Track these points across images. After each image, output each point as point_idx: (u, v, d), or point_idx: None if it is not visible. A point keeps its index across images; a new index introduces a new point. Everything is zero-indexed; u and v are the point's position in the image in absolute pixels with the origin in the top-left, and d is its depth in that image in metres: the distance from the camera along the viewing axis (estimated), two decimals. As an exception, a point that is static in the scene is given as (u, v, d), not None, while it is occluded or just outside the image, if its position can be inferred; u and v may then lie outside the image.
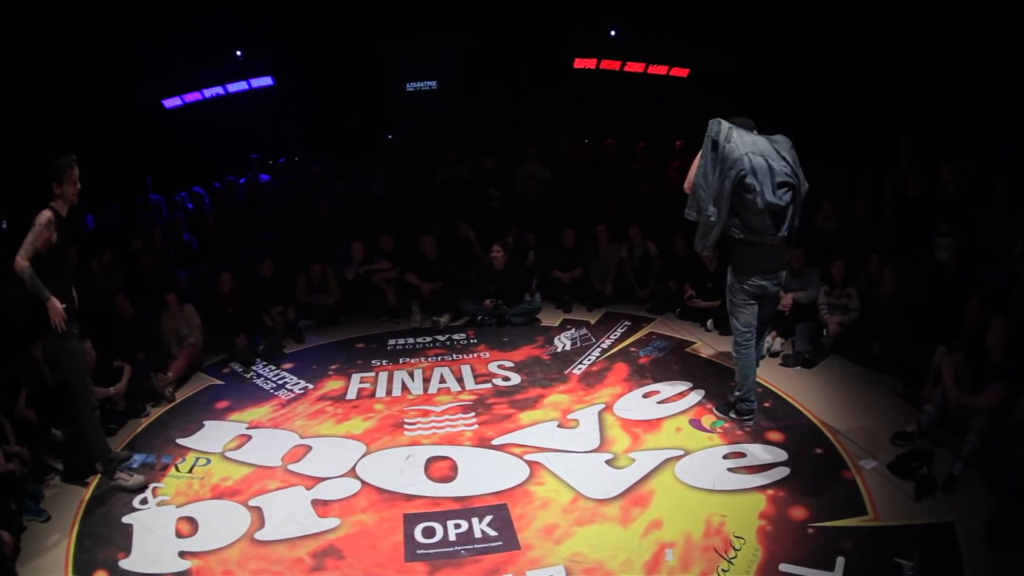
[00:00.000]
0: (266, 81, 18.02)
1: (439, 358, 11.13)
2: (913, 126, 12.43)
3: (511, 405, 9.37)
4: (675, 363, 10.57)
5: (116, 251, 12.18)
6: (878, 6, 13.75)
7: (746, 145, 7.63)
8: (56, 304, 6.98)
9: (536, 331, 12.20)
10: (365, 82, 18.97)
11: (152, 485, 7.71)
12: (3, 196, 11.47)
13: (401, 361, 11.07)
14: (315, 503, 7.29)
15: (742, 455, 7.86)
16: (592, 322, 12.48)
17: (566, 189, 15.35)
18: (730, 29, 16.93)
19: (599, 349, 11.18)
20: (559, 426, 8.75)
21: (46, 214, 6.94)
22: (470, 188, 15.88)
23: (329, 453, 8.29)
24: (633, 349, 11.16)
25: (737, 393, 8.61)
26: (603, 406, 9.19)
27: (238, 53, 17.60)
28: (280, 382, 10.46)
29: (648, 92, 19.67)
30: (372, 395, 9.89)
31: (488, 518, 6.93)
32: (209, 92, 17.73)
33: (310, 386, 10.27)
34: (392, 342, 11.93)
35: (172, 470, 8.07)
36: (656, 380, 9.93)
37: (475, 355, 11.21)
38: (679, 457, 7.84)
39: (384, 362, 11.05)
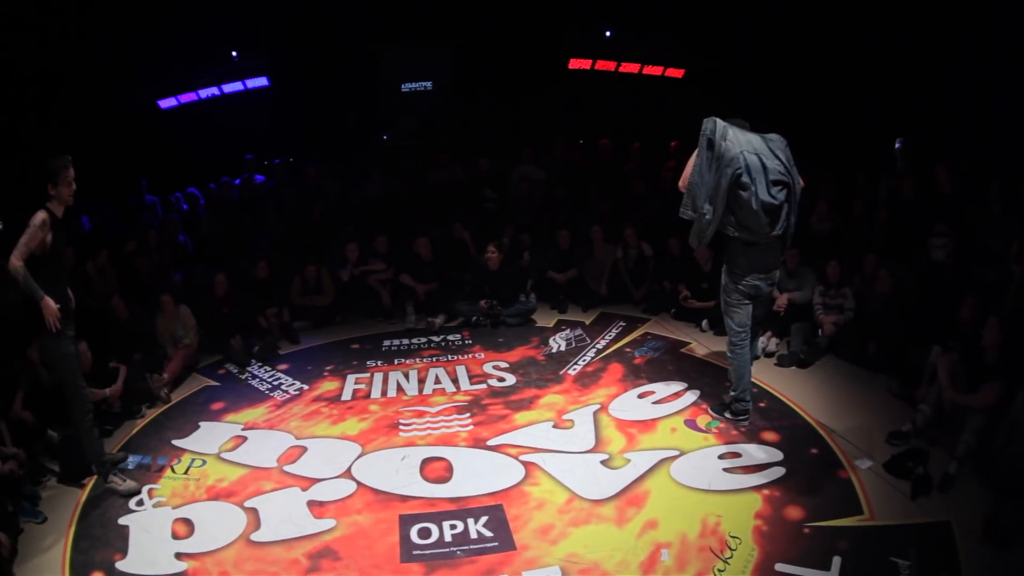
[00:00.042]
0: (261, 82, 17.97)
1: (434, 359, 11.13)
2: (908, 126, 12.47)
3: (506, 406, 9.37)
4: (670, 363, 10.58)
5: (111, 252, 12.16)
6: (873, 6, 13.77)
7: (741, 143, 7.65)
8: (50, 303, 6.97)
9: (531, 332, 12.20)
10: (360, 83, 18.95)
11: (148, 486, 7.70)
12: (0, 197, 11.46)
13: (396, 362, 11.06)
14: (311, 504, 7.29)
15: (738, 455, 7.87)
16: (587, 323, 12.49)
17: (561, 190, 15.35)
18: (725, 30, 16.96)
19: (594, 350, 11.18)
20: (554, 427, 8.75)
21: (40, 215, 6.92)
22: (465, 189, 15.89)
23: (324, 454, 8.29)
24: (628, 350, 11.16)
25: (732, 393, 8.62)
26: (598, 407, 9.20)
27: (234, 53, 17.57)
28: (275, 383, 10.45)
29: (643, 93, 19.69)
30: (367, 396, 9.88)
31: (484, 519, 6.93)
32: (204, 93, 17.68)
33: (305, 387, 10.26)
34: (387, 343, 11.92)
35: (168, 471, 8.06)
36: (651, 380, 9.94)
37: (470, 356, 11.21)
38: (674, 457, 7.85)
39: (379, 363, 11.04)
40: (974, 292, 8.71)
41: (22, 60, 13.15)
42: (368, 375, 10.58)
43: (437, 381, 10.26)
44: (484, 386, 10.02)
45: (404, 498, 7.34)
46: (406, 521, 6.95)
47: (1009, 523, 6.23)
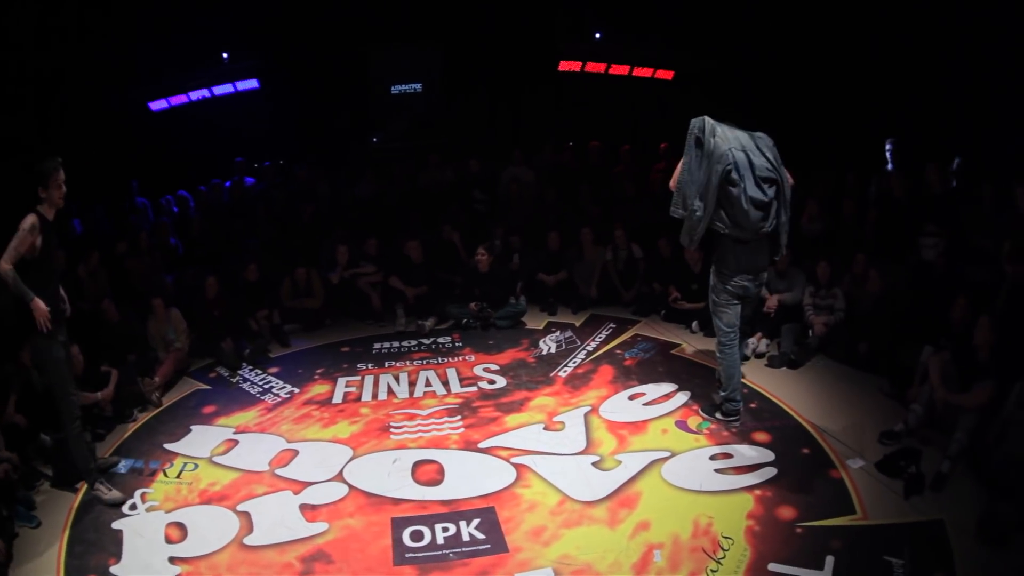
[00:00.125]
0: (252, 84, 17.96)
1: (424, 361, 11.12)
2: (899, 127, 12.51)
3: (497, 408, 9.37)
4: (660, 365, 10.60)
5: (102, 254, 12.12)
6: (864, 7, 13.81)
7: (730, 140, 7.73)
8: (40, 304, 6.95)
9: (521, 334, 12.20)
10: (350, 85, 18.93)
11: (141, 490, 7.68)
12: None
13: (386, 365, 11.05)
14: (303, 508, 7.28)
15: (729, 456, 7.89)
16: (577, 325, 12.50)
17: (550, 192, 15.35)
18: (715, 31, 16.96)
19: (584, 351, 11.19)
20: (545, 429, 8.75)
21: (30, 219, 6.90)
22: (454, 191, 15.87)
23: (316, 457, 8.28)
24: (618, 351, 11.17)
25: (723, 393, 8.64)
26: (589, 408, 9.21)
27: (224, 55, 17.55)
28: (266, 386, 10.44)
29: (633, 94, 19.70)
30: (358, 399, 9.87)
31: (476, 521, 6.93)
32: (195, 95, 17.65)
33: (296, 390, 10.25)
34: (377, 346, 11.91)
35: (160, 475, 8.04)
36: (642, 382, 9.96)
37: (460, 358, 11.21)
38: (666, 459, 7.86)
39: (369, 366, 11.03)
40: (965, 292, 8.74)
41: (12, 62, 13.10)
42: (359, 378, 10.57)
43: (428, 384, 10.25)
44: (475, 388, 10.02)
45: (396, 501, 7.34)
46: (398, 524, 6.95)
47: (1003, 521, 6.27)
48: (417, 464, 8.01)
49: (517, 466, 7.86)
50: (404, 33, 18.34)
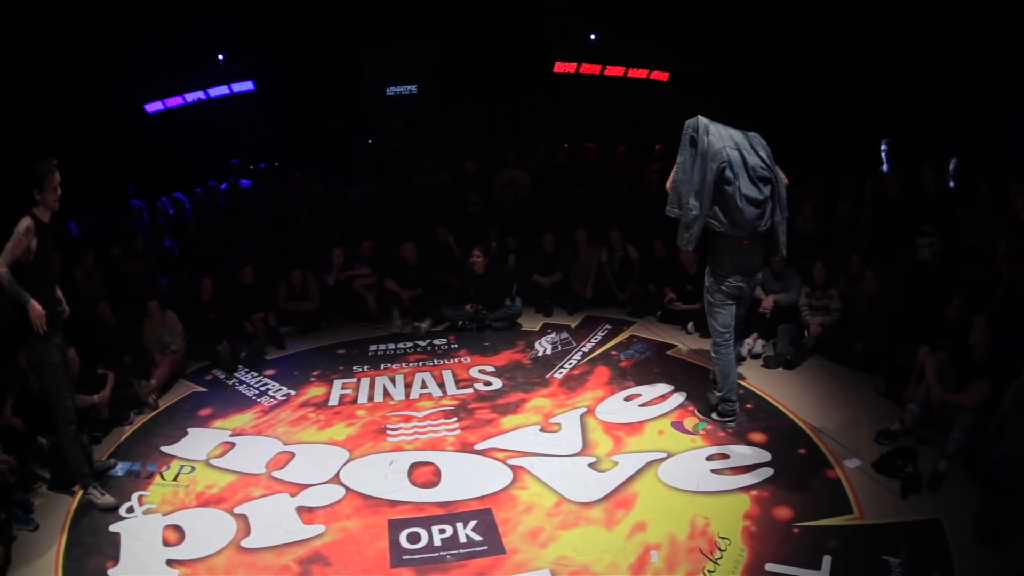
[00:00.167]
0: (247, 86, 17.95)
1: (420, 363, 11.12)
2: (893, 128, 12.53)
3: (493, 410, 9.37)
4: (656, 366, 10.61)
5: (98, 256, 12.11)
6: (858, 9, 13.83)
7: (723, 139, 7.76)
8: (36, 306, 6.95)
9: (517, 336, 12.21)
10: (345, 86, 18.93)
11: (138, 493, 7.68)
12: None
13: (383, 367, 11.05)
14: (300, 510, 7.27)
15: (725, 456, 7.90)
16: (573, 326, 12.50)
17: (545, 193, 15.34)
18: (710, 32, 16.99)
19: (580, 353, 11.20)
20: (541, 430, 8.75)
21: (25, 221, 6.90)
22: (450, 193, 15.86)
23: (312, 460, 8.27)
24: (614, 352, 11.18)
25: (718, 394, 8.65)
26: (585, 409, 9.21)
27: (220, 57, 17.54)
28: (262, 389, 10.44)
29: (628, 96, 19.70)
30: (354, 401, 9.87)
31: (472, 523, 6.93)
32: (191, 96, 17.64)
33: (292, 392, 10.24)
34: (373, 348, 11.91)
35: (157, 478, 8.03)
36: (637, 383, 9.97)
37: (456, 360, 11.21)
38: (662, 459, 7.87)
39: (366, 368, 11.03)
40: (961, 291, 8.77)
41: (6, 64, 13.08)
42: (355, 380, 10.57)
43: (424, 386, 10.25)
44: (471, 390, 10.02)
45: (393, 503, 7.34)
46: (395, 526, 6.95)
47: (1000, 519, 6.29)
48: (414, 466, 8.01)
49: (514, 468, 7.86)
50: (399, 35, 18.34)
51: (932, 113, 12.46)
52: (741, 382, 9.24)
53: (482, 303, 12.52)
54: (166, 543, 6.84)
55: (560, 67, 19.54)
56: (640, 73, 19.81)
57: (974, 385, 7.58)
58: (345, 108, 19.08)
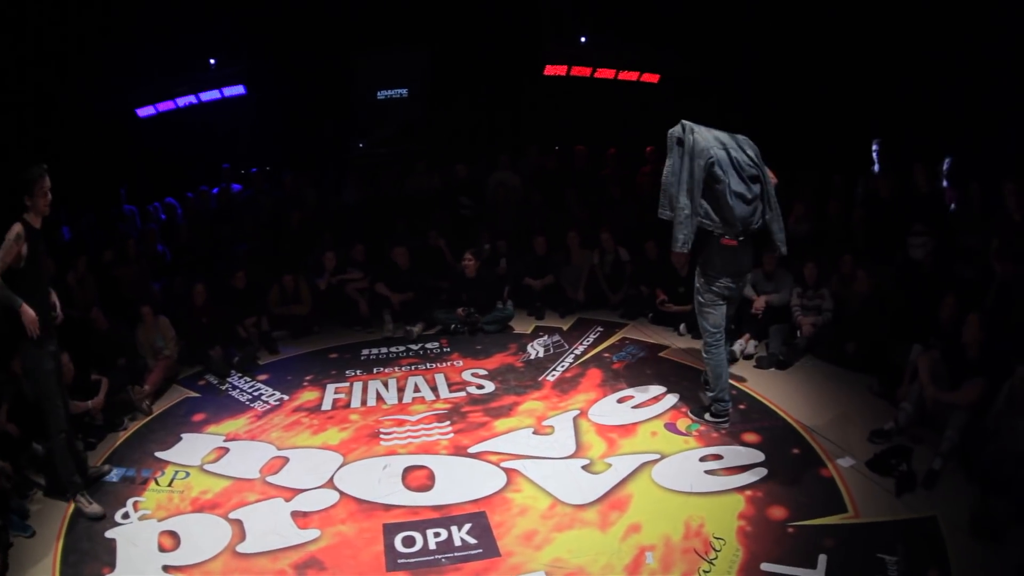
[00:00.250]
0: (238, 90, 17.91)
1: (413, 367, 11.13)
2: (884, 128, 12.57)
3: (486, 413, 9.39)
4: (648, 367, 10.62)
5: (90, 261, 12.10)
6: (849, 9, 13.87)
7: (708, 140, 7.84)
8: (28, 310, 6.93)
9: (509, 339, 12.22)
10: (336, 90, 18.89)
11: (133, 499, 7.68)
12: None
13: (375, 371, 11.06)
14: (295, 515, 7.28)
15: (719, 457, 7.92)
16: (565, 328, 12.51)
17: (537, 196, 15.37)
18: (701, 34, 16.99)
19: (572, 355, 11.21)
20: (534, 433, 8.77)
21: (16, 228, 6.87)
22: (441, 196, 15.87)
23: (307, 464, 8.28)
24: (606, 355, 11.20)
25: (711, 394, 8.67)
26: (578, 412, 9.23)
27: (211, 61, 17.51)
28: (255, 394, 10.44)
29: (619, 98, 19.70)
30: (347, 405, 9.87)
31: (467, 526, 6.95)
32: (182, 101, 17.59)
33: (285, 397, 10.24)
34: (366, 352, 11.91)
35: (152, 484, 8.03)
36: (630, 385, 9.98)
37: (449, 364, 11.21)
38: (656, 461, 7.89)
39: (358, 372, 11.03)
40: (954, 290, 8.81)
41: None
42: (348, 384, 10.57)
43: (416, 389, 10.26)
44: (463, 394, 10.03)
45: (387, 507, 7.35)
46: (390, 530, 6.96)
47: (996, 516, 6.32)
48: (408, 470, 8.02)
49: (507, 470, 7.88)
50: (390, 38, 18.31)
51: (923, 113, 12.50)
52: (734, 383, 9.26)
53: (474, 306, 12.52)
54: (162, 549, 6.85)
55: (551, 70, 19.49)
56: (631, 75, 19.79)
57: (968, 384, 7.62)
58: (337, 112, 19.04)
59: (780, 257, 10.36)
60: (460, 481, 7.74)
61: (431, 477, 7.85)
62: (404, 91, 19.85)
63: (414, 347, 12.02)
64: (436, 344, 12.13)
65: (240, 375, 11.04)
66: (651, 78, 19.83)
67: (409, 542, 6.77)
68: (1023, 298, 8.61)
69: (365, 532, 6.97)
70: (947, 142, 11.65)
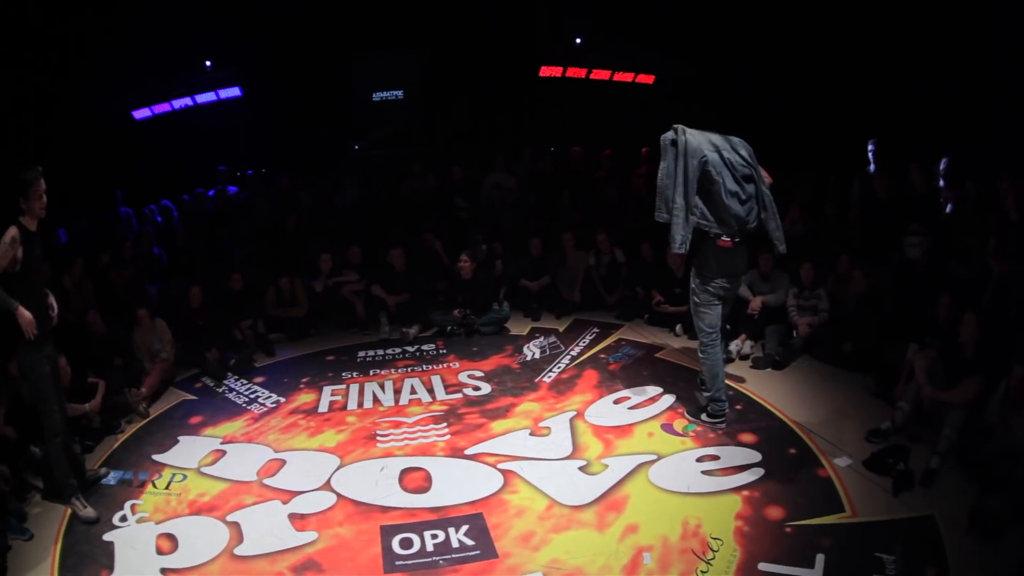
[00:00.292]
0: (234, 92, 17.89)
1: (409, 369, 11.12)
2: (879, 127, 12.58)
3: (482, 414, 9.38)
4: (645, 368, 10.63)
5: (87, 264, 12.07)
6: (843, 9, 13.88)
7: (700, 142, 7.92)
8: (24, 312, 6.91)
9: (505, 340, 12.21)
10: (332, 92, 18.88)
11: (131, 502, 7.66)
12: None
13: (371, 373, 11.04)
14: (292, 517, 7.28)
15: (716, 457, 7.93)
16: (561, 330, 12.52)
17: (532, 198, 15.38)
18: (696, 35, 17.00)
19: (568, 356, 11.21)
20: (531, 434, 8.77)
21: (11, 231, 6.85)
22: (437, 198, 15.87)
23: (304, 467, 8.27)
24: (603, 356, 11.20)
25: (707, 394, 8.69)
26: (574, 413, 9.23)
27: (207, 63, 17.50)
28: (252, 396, 10.42)
29: (614, 99, 19.72)
30: (344, 408, 9.86)
31: (465, 527, 6.95)
32: (178, 103, 17.57)
33: (282, 400, 10.23)
34: (362, 354, 11.90)
35: (150, 487, 8.02)
36: (626, 386, 9.98)
37: (445, 365, 11.21)
38: (652, 462, 7.89)
39: (355, 374, 11.02)
40: (950, 289, 8.83)
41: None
42: (344, 387, 10.55)
43: (413, 391, 10.25)
44: (460, 395, 10.03)
45: (384, 509, 7.34)
46: (387, 532, 6.96)
47: (994, 515, 6.33)
48: (404, 472, 8.02)
49: (504, 472, 7.88)
50: (386, 40, 18.31)
51: (919, 113, 12.52)
52: (730, 383, 9.27)
53: (470, 308, 12.52)
54: (160, 552, 6.84)
55: (546, 71, 19.53)
56: (626, 76, 19.85)
57: (965, 382, 7.65)
58: (333, 114, 19.04)
59: (776, 258, 10.42)
60: (457, 483, 7.74)
61: (428, 479, 7.85)
62: (400, 93, 19.84)
63: (410, 349, 12.02)
64: (432, 346, 12.12)
65: (237, 377, 11.02)
66: (646, 79, 19.90)
67: (407, 544, 6.76)
68: (1020, 297, 8.64)
69: (363, 534, 6.97)
70: (943, 141, 11.68)
